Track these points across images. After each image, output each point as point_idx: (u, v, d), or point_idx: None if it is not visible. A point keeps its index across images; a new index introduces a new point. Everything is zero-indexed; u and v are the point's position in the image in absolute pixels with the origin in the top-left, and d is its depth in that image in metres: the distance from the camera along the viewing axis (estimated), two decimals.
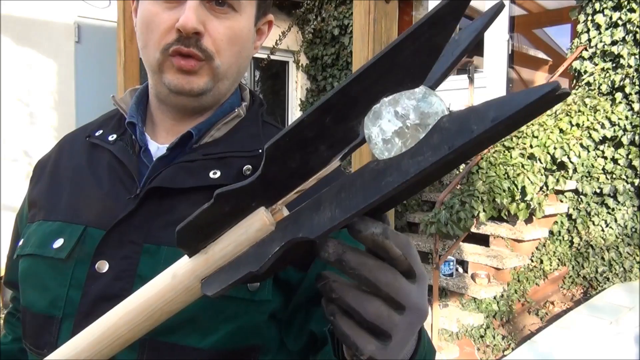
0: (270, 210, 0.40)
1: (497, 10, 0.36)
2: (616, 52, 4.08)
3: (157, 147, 0.70)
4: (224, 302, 0.58)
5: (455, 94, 5.40)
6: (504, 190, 3.65)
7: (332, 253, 0.36)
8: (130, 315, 0.44)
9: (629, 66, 4.00)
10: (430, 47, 0.33)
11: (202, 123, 0.68)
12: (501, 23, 5.25)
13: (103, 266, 0.61)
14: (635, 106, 3.96)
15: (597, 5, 4.20)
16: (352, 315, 0.38)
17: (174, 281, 0.42)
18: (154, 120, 0.72)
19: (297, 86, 6.81)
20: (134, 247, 0.61)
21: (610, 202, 4.07)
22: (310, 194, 0.40)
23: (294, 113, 6.80)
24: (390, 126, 0.34)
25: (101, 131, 0.72)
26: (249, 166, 0.65)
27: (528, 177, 3.68)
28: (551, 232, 4.23)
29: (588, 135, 4.02)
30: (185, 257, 0.43)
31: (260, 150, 0.66)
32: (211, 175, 0.63)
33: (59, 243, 0.64)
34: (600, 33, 4.20)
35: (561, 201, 4.27)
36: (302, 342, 0.63)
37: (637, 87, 3.95)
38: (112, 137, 0.70)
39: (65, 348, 0.48)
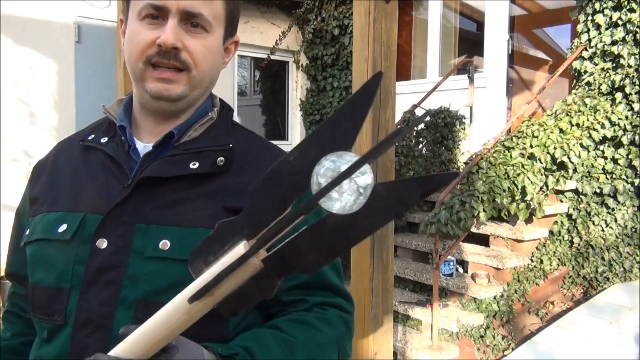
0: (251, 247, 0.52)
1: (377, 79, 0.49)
2: (616, 52, 4.08)
3: (144, 146, 0.81)
4: None
5: (455, 94, 5.40)
6: (504, 190, 3.64)
7: None
8: (154, 345, 0.55)
9: (629, 66, 4.00)
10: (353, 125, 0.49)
11: (182, 124, 0.81)
12: (501, 23, 5.25)
13: (102, 243, 0.73)
14: (635, 106, 3.96)
15: (597, 5, 4.20)
16: None
17: (190, 315, 0.54)
18: (138, 123, 0.84)
19: (297, 86, 6.81)
20: (127, 227, 0.73)
21: (610, 202, 4.06)
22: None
23: (294, 113, 6.80)
24: (339, 193, 0.47)
25: (93, 135, 0.84)
26: (222, 158, 0.77)
27: (528, 177, 3.68)
28: (551, 232, 4.23)
29: (588, 135, 4.02)
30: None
31: (231, 145, 0.79)
32: (191, 166, 0.76)
33: (63, 227, 0.76)
34: (600, 33, 4.20)
35: (561, 201, 4.27)
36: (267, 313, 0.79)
37: (637, 87, 3.95)
38: (104, 140, 0.82)
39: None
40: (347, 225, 0.48)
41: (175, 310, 0.54)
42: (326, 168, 0.47)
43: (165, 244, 0.71)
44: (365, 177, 0.46)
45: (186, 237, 0.71)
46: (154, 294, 0.69)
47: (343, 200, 0.46)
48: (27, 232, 0.81)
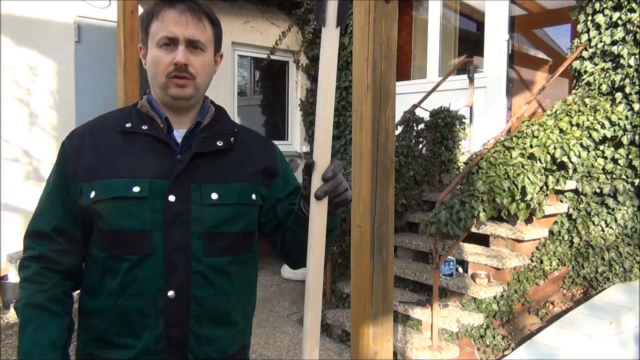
0: None
1: None
2: (616, 52, 4.08)
3: (177, 131, 1.16)
4: (241, 206, 1.14)
5: (455, 94, 5.40)
6: (504, 190, 3.64)
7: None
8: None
9: (629, 66, 4.00)
10: None
11: (200, 116, 1.18)
12: (501, 23, 5.25)
13: (172, 198, 1.08)
14: (635, 106, 3.96)
15: (597, 5, 4.20)
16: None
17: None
18: None
19: (297, 86, 6.81)
20: (186, 186, 1.09)
21: (610, 202, 4.06)
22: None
23: (294, 113, 6.80)
24: None
25: (130, 124, 1.14)
26: (233, 138, 1.17)
27: (528, 177, 3.68)
28: (551, 232, 4.23)
29: (588, 135, 4.02)
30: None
31: (236, 130, 1.21)
32: (217, 144, 1.15)
33: (137, 189, 1.06)
34: (600, 33, 4.20)
35: (561, 201, 4.27)
36: (272, 225, 1.21)
37: (637, 87, 3.95)
38: (145, 127, 1.13)
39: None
40: None
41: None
42: None
43: (214, 195, 1.10)
44: None
45: (226, 190, 1.11)
46: (213, 227, 1.09)
47: None
48: (93, 194, 1.07)
